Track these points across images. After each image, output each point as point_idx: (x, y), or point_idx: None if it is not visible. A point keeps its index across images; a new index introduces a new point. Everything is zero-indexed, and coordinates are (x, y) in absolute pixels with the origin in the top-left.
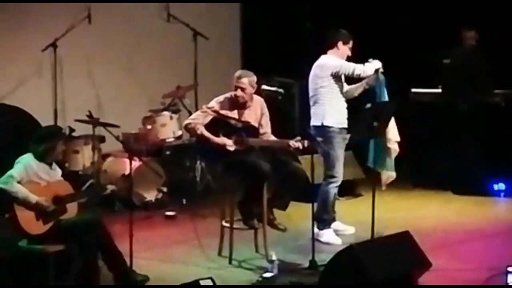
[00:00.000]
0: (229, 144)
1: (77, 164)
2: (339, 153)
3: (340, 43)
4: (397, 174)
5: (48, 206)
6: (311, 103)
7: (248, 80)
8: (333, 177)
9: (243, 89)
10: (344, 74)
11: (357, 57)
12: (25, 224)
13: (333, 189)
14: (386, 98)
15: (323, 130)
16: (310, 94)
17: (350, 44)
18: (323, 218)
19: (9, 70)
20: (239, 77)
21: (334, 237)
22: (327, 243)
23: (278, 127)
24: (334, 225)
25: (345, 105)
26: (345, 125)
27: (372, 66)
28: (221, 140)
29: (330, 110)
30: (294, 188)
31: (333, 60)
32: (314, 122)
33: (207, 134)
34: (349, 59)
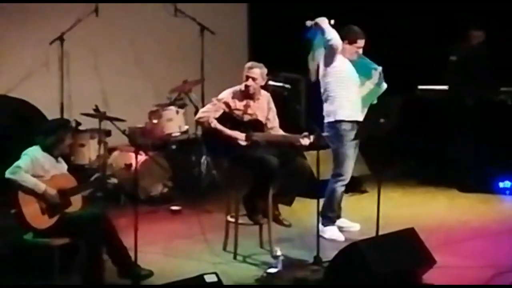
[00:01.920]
0: (241, 138)
1: (83, 158)
2: (350, 151)
3: (345, 43)
4: (403, 171)
5: (55, 196)
6: (323, 100)
7: (260, 71)
8: (341, 175)
9: (254, 79)
10: (332, 48)
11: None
12: (31, 219)
13: (339, 187)
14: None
15: (335, 126)
16: (321, 91)
17: (359, 42)
18: (327, 216)
19: (16, 64)
20: (251, 67)
21: (338, 234)
22: (331, 240)
23: (284, 123)
24: (340, 221)
25: (357, 97)
26: (358, 118)
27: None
28: (234, 133)
29: (340, 104)
30: (300, 184)
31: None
32: (328, 119)
33: (220, 127)
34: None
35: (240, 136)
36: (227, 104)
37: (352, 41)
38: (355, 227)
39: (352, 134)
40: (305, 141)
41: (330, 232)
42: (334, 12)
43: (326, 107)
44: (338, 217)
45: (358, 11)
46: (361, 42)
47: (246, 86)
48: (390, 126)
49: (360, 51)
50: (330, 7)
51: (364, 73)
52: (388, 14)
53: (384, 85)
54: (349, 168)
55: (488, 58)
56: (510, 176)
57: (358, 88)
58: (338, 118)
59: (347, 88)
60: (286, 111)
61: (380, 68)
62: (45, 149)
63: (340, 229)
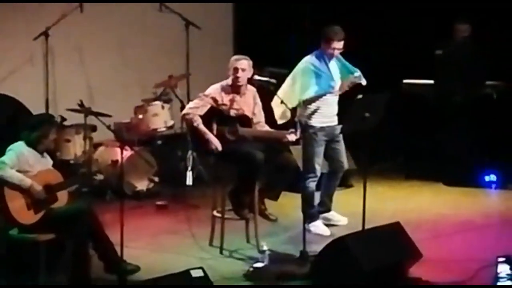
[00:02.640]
0: (218, 147)
1: (68, 153)
2: (318, 150)
3: (322, 43)
4: (389, 165)
5: (41, 191)
6: None
7: (247, 62)
8: (309, 172)
9: (243, 70)
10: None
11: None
12: (16, 214)
13: (310, 183)
14: None
15: (305, 128)
16: None
17: (334, 44)
18: (308, 212)
19: (0, 59)
20: (238, 59)
21: (323, 228)
22: (317, 234)
23: (270, 118)
24: (329, 214)
25: (333, 100)
26: (330, 124)
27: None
28: (213, 139)
29: (313, 112)
30: (286, 179)
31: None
32: (300, 119)
33: (202, 128)
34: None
35: (217, 144)
36: (214, 99)
37: (326, 41)
38: (343, 221)
39: (321, 135)
40: (292, 137)
41: (315, 227)
42: (318, 8)
43: (300, 109)
44: (329, 210)
45: (342, 6)
46: (336, 44)
47: (236, 78)
48: (375, 120)
49: (336, 52)
50: (315, 3)
51: (342, 74)
52: (372, 8)
53: (364, 81)
54: (317, 165)
55: (473, 53)
56: (495, 169)
57: (337, 88)
58: (309, 123)
59: (324, 95)
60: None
61: (358, 73)
62: (30, 144)
63: (328, 221)
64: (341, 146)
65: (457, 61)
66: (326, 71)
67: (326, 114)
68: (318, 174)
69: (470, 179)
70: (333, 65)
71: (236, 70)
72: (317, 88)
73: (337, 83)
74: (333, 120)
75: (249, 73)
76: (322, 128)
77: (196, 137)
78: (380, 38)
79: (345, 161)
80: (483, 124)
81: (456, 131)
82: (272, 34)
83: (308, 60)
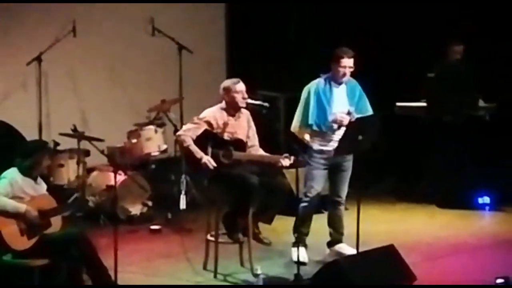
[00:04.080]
0: (211, 162)
1: (62, 178)
2: (314, 172)
3: (332, 64)
4: (382, 188)
5: (36, 217)
6: None
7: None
8: (304, 195)
9: (246, 91)
10: None
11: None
12: (9, 240)
13: (301, 204)
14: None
15: (305, 148)
16: None
17: (343, 62)
18: (294, 235)
19: None
20: (237, 82)
21: (302, 255)
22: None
23: (264, 141)
24: (337, 247)
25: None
26: (330, 148)
27: None
28: (204, 156)
29: (309, 132)
30: (280, 202)
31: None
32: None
33: (193, 148)
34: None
35: (209, 159)
36: (208, 123)
37: (336, 60)
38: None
39: (320, 158)
40: (286, 162)
41: (294, 254)
42: (313, 34)
43: (300, 130)
44: (337, 241)
45: (335, 28)
46: (345, 62)
47: (244, 99)
48: (369, 143)
49: (346, 70)
50: (307, 27)
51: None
52: (365, 30)
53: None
54: (312, 189)
55: (467, 75)
56: (489, 191)
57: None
58: (307, 144)
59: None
60: (265, 130)
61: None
62: (23, 171)
63: (338, 255)
64: (343, 177)
65: (450, 83)
66: (328, 98)
67: (325, 138)
68: (312, 196)
69: (463, 201)
70: (341, 91)
71: (241, 92)
72: (315, 119)
73: (337, 114)
74: (334, 145)
75: None
76: (321, 151)
77: (189, 157)
78: (373, 61)
79: (341, 193)
80: (476, 146)
81: (449, 153)
82: (266, 57)
83: (314, 82)
